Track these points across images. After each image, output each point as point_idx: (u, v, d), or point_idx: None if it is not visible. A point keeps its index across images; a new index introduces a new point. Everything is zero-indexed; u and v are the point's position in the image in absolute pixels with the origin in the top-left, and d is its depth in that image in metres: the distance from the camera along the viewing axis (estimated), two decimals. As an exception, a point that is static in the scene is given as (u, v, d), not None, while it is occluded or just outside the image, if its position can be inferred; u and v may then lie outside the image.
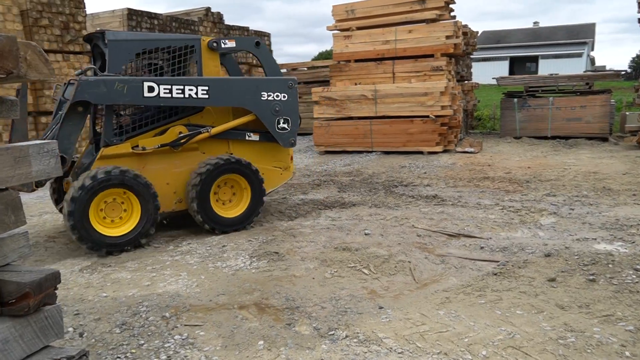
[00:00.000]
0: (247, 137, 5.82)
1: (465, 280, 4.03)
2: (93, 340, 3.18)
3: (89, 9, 13.18)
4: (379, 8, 12.82)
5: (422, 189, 7.67)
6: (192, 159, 5.47)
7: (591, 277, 3.94)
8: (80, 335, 3.24)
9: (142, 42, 5.36)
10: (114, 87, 4.95)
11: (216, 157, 5.39)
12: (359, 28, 12.95)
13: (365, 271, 4.28)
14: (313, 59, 56.35)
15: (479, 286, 3.88)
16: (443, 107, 11.26)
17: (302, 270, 4.34)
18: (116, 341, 3.16)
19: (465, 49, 13.70)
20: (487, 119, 18.01)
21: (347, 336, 3.15)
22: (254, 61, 16.87)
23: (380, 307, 3.56)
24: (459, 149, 11.54)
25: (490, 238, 5.11)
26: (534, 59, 44.45)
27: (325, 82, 15.21)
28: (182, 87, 5.19)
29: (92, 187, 4.71)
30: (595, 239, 4.97)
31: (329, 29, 13.67)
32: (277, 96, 5.69)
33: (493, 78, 16.25)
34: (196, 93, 5.25)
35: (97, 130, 5.72)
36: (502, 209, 6.26)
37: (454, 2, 12.65)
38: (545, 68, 40.15)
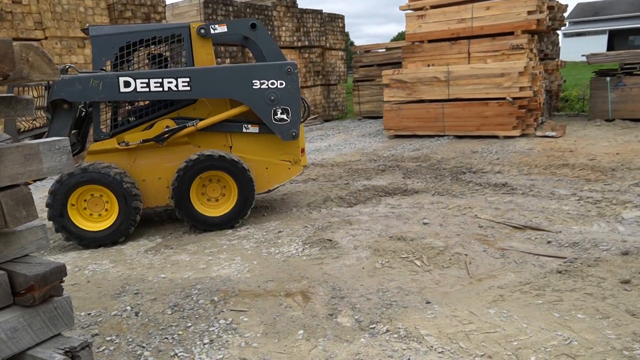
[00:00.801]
0: (244, 129, 5.43)
1: (525, 277, 3.77)
2: (146, 319, 3.38)
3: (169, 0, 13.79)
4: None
5: (492, 176, 7.26)
6: (185, 153, 5.24)
7: (673, 281, 3.52)
8: (136, 314, 3.45)
9: (125, 35, 5.17)
10: (89, 84, 4.91)
11: (198, 153, 5.13)
12: (432, 7, 12.40)
13: (418, 263, 4.15)
14: (392, 40, 55.23)
15: (539, 285, 3.61)
16: (521, 89, 10.53)
17: (352, 259, 4.29)
18: (166, 322, 3.32)
19: (550, 24, 12.65)
20: (576, 100, 16.61)
21: (387, 330, 3.07)
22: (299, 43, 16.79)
23: (428, 302, 3.43)
24: (538, 133, 10.77)
25: (561, 232, 4.73)
26: (639, 31, 40.17)
27: (398, 64, 14.81)
28: (159, 80, 4.98)
29: (68, 182, 4.86)
30: (686, 236, 4.43)
31: (401, 8, 13.24)
32: (273, 84, 5.16)
33: (582, 55, 14.90)
34: (176, 86, 5.01)
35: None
36: (578, 199, 5.76)
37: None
38: (651, 41, 36.20)
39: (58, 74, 1.47)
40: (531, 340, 2.88)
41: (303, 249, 4.58)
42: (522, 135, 10.77)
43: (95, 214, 5.07)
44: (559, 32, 16.12)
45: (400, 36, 57.43)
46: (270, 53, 5.47)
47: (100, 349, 3.02)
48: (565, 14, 15.50)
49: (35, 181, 5.29)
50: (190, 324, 3.28)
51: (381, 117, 14.82)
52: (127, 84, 4.99)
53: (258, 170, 5.48)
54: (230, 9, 13.69)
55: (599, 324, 3.02)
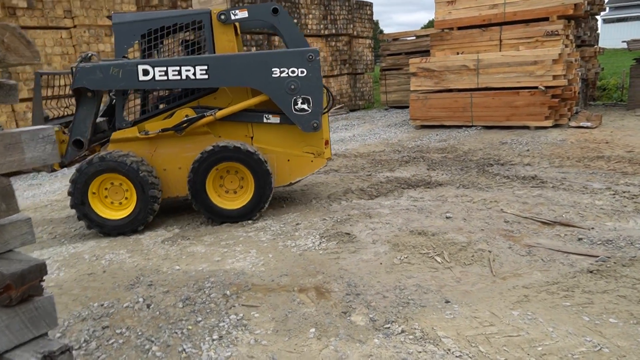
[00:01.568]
0: (264, 120, 5.25)
1: (552, 276, 3.55)
2: (157, 312, 3.33)
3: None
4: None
5: (521, 168, 6.96)
6: (205, 143, 5.12)
7: None
8: (148, 306, 3.41)
9: (146, 22, 5.11)
10: (110, 72, 4.91)
11: (213, 144, 5.01)
12: (463, -8, 11.98)
13: (438, 259, 3.97)
14: (422, 28, 54.11)
15: (568, 285, 3.39)
16: (555, 77, 10.08)
17: (370, 254, 4.15)
18: (177, 316, 3.27)
19: (588, 9, 12.07)
20: (614, 88, 15.87)
21: (403, 331, 2.93)
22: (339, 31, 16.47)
23: (447, 301, 3.27)
24: (572, 124, 10.31)
25: (593, 228, 4.46)
26: (683, 16, 38.21)
27: (427, 53, 14.44)
28: (177, 68, 4.90)
29: (87, 171, 4.91)
30: None
31: (430, -6, 12.85)
32: (293, 72, 4.93)
33: (623, 41, 14.19)
34: (194, 74, 4.91)
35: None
36: (614, 194, 5.44)
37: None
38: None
39: (38, 57, 1.38)
40: (557, 345, 2.69)
41: (320, 243, 4.46)
42: (555, 126, 10.34)
43: (116, 203, 5.09)
44: (597, 17, 15.40)
45: (431, 24, 56.26)
46: (292, 39, 5.25)
47: (110, 342, 2.99)
48: (605, -1, 14.78)
49: (53, 170, 5.37)
50: (200, 319, 3.21)
51: (408, 107, 14.52)
52: (145, 72, 4.94)
53: (279, 162, 5.34)
54: (256, -3, 13.58)
55: (633, 330, 2.80)
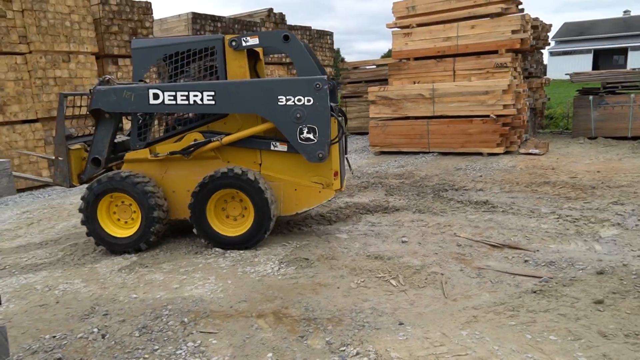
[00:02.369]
0: (272, 147, 5.17)
1: (499, 297, 3.74)
2: (113, 342, 3.29)
3: (157, 15, 13.82)
4: (441, 4, 12.35)
5: (474, 193, 7.28)
6: (213, 168, 5.13)
7: (646, 301, 3.51)
8: (103, 336, 3.37)
9: (162, 47, 5.27)
10: (123, 95, 5.10)
11: (216, 170, 5.03)
12: (419, 25, 12.55)
13: (394, 282, 4.11)
14: (382, 56, 55.73)
15: (513, 305, 3.58)
16: (505, 106, 10.64)
17: (328, 279, 4.24)
18: (133, 345, 3.24)
19: (534, 43, 12.86)
20: (560, 117, 16.81)
21: (358, 353, 3.02)
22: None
23: (401, 323, 3.39)
24: (522, 151, 10.85)
25: (538, 250, 4.72)
26: (623, 52, 40.98)
27: (385, 81, 14.93)
28: (186, 93, 4.99)
29: (96, 190, 5.10)
30: (661, 256, 4.43)
31: (388, 26, 13.39)
32: (300, 100, 4.83)
33: (566, 74, 15.12)
34: (201, 99, 4.97)
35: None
36: (557, 217, 5.77)
37: (521, 1, 11.90)
38: (635, 61, 36.93)
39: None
40: (501, 363, 2.84)
41: (279, 268, 4.52)
42: (506, 153, 10.85)
43: (123, 221, 5.27)
44: (543, 50, 16.37)
45: (390, 53, 58.13)
46: (303, 67, 5.09)
47: (62, 373, 2.94)
48: (550, 34, 15.76)
49: (72, 186, 5.55)
50: (157, 347, 3.20)
51: (368, 134, 14.87)
52: (156, 96, 5.08)
53: (286, 191, 5.23)
54: (219, 24, 13.76)
55: (570, 346, 3.00)
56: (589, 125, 12.76)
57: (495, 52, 11.26)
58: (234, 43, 5.10)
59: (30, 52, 10.17)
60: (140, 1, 11.65)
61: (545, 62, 16.59)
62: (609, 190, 7.00)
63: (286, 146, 5.11)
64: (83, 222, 5.20)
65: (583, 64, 39.34)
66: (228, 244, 5.10)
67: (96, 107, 5.23)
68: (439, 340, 3.14)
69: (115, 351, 3.18)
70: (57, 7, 10.52)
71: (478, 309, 3.57)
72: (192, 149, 5.16)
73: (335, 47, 19.51)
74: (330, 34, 18.76)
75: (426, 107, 11.61)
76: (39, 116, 10.07)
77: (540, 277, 4.06)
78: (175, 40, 5.44)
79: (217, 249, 5.11)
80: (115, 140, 5.67)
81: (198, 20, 13.27)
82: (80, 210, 5.19)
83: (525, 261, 4.47)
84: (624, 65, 37.89)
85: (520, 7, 11.91)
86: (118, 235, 5.19)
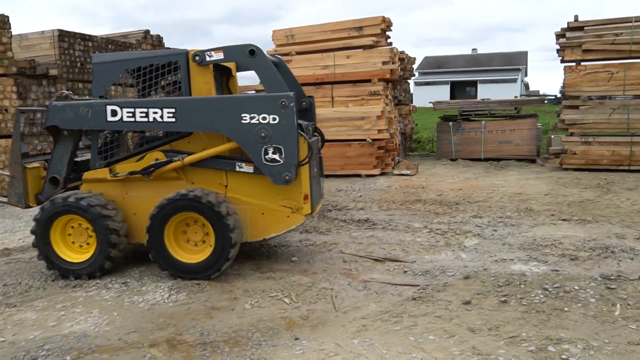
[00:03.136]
0: (237, 168, 4.86)
1: (385, 306, 4.05)
2: (-21, 390, 2.93)
3: (18, 30, 12.62)
4: (318, 34, 13.06)
5: (355, 212, 7.74)
6: (176, 189, 4.80)
7: (503, 299, 4.07)
8: (-34, 385, 2.98)
9: (123, 62, 5.02)
10: (80, 111, 4.83)
11: (174, 193, 4.72)
12: (298, 53, 13.10)
13: (287, 300, 4.22)
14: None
15: (397, 312, 3.91)
16: (380, 131, 11.51)
17: (222, 302, 4.22)
18: (6, 390, 2.92)
19: (402, 74, 14.15)
20: (426, 141, 18.57)
21: (257, 372, 3.06)
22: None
23: (296, 338, 3.51)
24: (396, 172, 11.79)
25: (415, 261, 5.19)
26: (474, 84, 46.69)
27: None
28: (145, 110, 4.71)
29: (50, 210, 4.83)
30: (513, 259, 5.16)
31: (269, 53, 13.76)
32: (264, 118, 4.53)
33: (430, 102, 16.85)
34: (161, 116, 4.67)
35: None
36: (429, 231, 6.40)
37: (390, 30, 13.09)
38: (484, 92, 42.23)
39: None
40: (390, 365, 3.09)
41: (169, 295, 4.39)
42: (382, 174, 11.69)
43: (77, 245, 4.98)
44: (409, 80, 18.05)
45: (270, 79, 59.16)
46: (270, 83, 4.84)
47: None
48: (415, 65, 17.46)
49: (28, 206, 5.25)
50: (36, 390, 2.92)
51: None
52: (114, 113, 4.77)
53: (253, 215, 4.88)
54: (90, 44, 12.95)
55: (446, 343, 3.36)
56: (450, 148, 14.29)
57: (369, 80, 12.17)
58: (197, 57, 4.82)
59: None
60: (-4, 14, 10.57)
61: (412, 91, 18.29)
62: (469, 206, 7.93)
63: (252, 167, 4.80)
64: (34, 245, 4.93)
65: (442, 93, 43.93)
66: (187, 271, 4.72)
67: (52, 123, 4.95)
68: (333, 350, 3.31)
69: (-17, 401, 2.83)
70: None
71: (366, 318, 3.84)
72: (152, 169, 4.86)
73: (215, 71, 19.45)
74: (211, 58, 18.67)
75: (308, 131, 12.07)
76: None
77: (418, 285, 4.48)
78: (136, 54, 5.15)
79: (97, 282, 4.78)
80: (77, 159, 5.28)
81: (66, 38, 12.35)
82: (32, 232, 4.90)
83: (405, 272, 4.89)
84: (475, 96, 43.12)
85: (389, 40, 13.07)
86: (71, 260, 4.89)
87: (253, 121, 4.57)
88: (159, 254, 4.76)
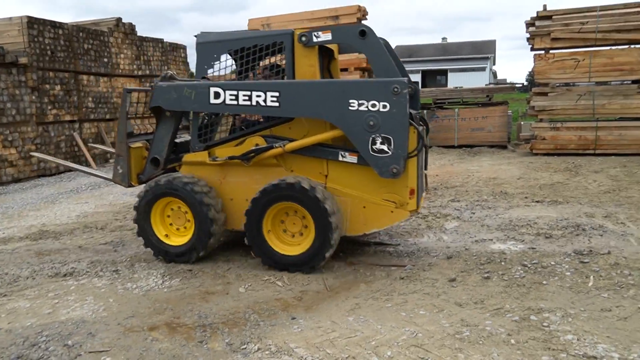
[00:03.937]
0: (340, 157, 4.57)
1: (375, 286, 4.22)
2: (-16, 376, 2.96)
3: (-18, 18, 12.20)
4: (295, 23, 13.05)
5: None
6: (274, 176, 4.60)
7: (486, 275, 4.29)
8: (-31, 372, 3.00)
9: (227, 42, 4.82)
10: (183, 93, 4.75)
11: (269, 183, 4.52)
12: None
13: (279, 283, 4.34)
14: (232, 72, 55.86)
15: (387, 291, 4.08)
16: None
17: (216, 287, 4.31)
18: (11, 375, 2.96)
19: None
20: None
21: (259, 349, 3.19)
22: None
23: (293, 318, 3.64)
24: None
25: (399, 244, 5.38)
26: (444, 72, 47.38)
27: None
28: (248, 93, 4.52)
29: (145, 196, 4.86)
30: (492, 239, 5.41)
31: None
32: (374, 105, 4.21)
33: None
34: (264, 100, 4.47)
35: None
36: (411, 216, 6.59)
37: (366, 19, 13.20)
38: (454, 81, 42.93)
39: None
40: (385, 338, 3.26)
41: (163, 281, 4.45)
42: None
43: (174, 227, 4.98)
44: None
45: (241, 68, 58.57)
46: (381, 68, 4.47)
47: None
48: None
49: (130, 185, 5.27)
50: (41, 374, 2.97)
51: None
52: (216, 95, 4.64)
53: (353, 208, 4.61)
54: (60, 31, 12.62)
55: (436, 317, 3.55)
56: (425, 136, 14.58)
57: (346, 69, 12.29)
58: (303, 38, 4.54)
59: None
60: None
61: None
62: (447, 190, 8.19)
63: (356, 157, 4.50)
64: (135, 220, 4.97)
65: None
66: (288, 264, 4.54)
67: (156, 104, 4.93)
68: (330, 327, 3.46)
69: (-10, 386, 2.87)
70: None
71: (358, 297, 4.00)
72: (252, 154, 4.70)
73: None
74: (184, 47, 18.43)
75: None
76: None
77: (405, 266, 4.66)
78: (241, 34, 4.88)
79: (87, 270, 4.80)
80: (177, 140, 5.21)
81: (35, 25, 12.00)
82: (135, 208, 4.94)
83: (391, 254, 5.07)
84: (446, 84, 43.78)
85: (364, 30, 13.20)
86: (167, 242, 4.92)
87: (361, 108, 4.27)
88: (259, 246, 4.59)
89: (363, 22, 12.97)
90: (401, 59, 5.11)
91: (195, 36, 5.01)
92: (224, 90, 4.60)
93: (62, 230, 6.53)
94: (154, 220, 4.93)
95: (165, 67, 16.95)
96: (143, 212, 4.90)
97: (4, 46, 11.15)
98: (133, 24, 15.41)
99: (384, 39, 4.81)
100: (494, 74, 52.64)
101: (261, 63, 4.93)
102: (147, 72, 15.90)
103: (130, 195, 8.86)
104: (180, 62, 18.19)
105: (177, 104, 4.86)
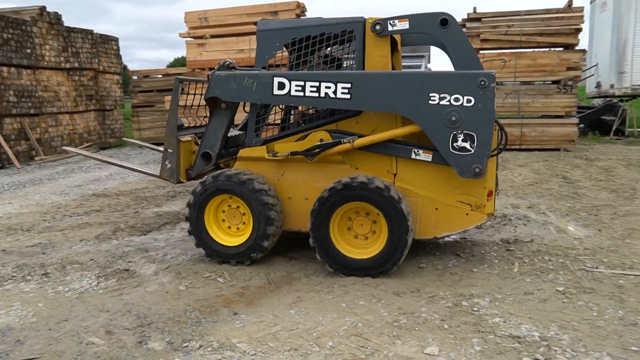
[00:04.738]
0: (413, 155, 4.29)
1: (316, 279, 4.30)
2: None
3: None
4: (233, 17, 12.90)
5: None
6: (338, 174, 4.35)
7: (422, 265, 4.50)
8: None
9: (290, 30, 4.47)
10: (244, 83, 4.40)
11: (337, 181, 4.22)
12: (213, 36, 12.87)
13: (221, 280, 4.32)
14: (168, 66, 54.12)
15: (328, 283, 4.17)
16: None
17: (155, 285, 4.22)
18: None
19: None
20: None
21: (201, 346, 3.16)
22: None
23: (235, 313, 3.64)
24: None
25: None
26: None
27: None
28: (316, 84, 4.21)
29: (201, 192, 4.56)
30: (427, 231, 5.64)
31: (181, 35, 13.36)
32: (457, 100, 3.93)
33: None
34: (334, 92, 4.17)
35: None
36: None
37: (305, 15, 13.26)
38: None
39: None
40: (327, 329, 3.34)
41: (98, 283, 4.29)
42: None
43: (226, 224, 4.69)
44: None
45: (178, 62, 56.91)
46: (463, 60, 4.21)
47: None
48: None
49: (179, 182, 4.91)
50: (-36, 385, 2.79)
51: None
52: (281, 86, 4.30)
53: (424, 210, 4.34)
54: (-25, 20, 11.71)
55: (375, 306, 3.68)
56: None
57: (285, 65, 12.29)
58: (378, 27, 4.27)
59: None
60: None
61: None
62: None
63: (431, 155, 4.22)
64: (190, 232, 4.67)
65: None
66: (358, 268, 4.25)
67: (213, 94, 4.55)
68: (272, 321, 3.49)
69: None
70: None
71: (300, 291, 4.06)
72: (317, 150, 4.39)
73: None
74: (116, 40, 17.64)
75: (225, 116, 11.96)
76: None
77: (345, 258, 4.77)
78: (307, 22, 4.58)
79: (13, 275, 4.53)
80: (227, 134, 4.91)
81: (-54, 12, 11.06)
82: (188, 204, 4.62)
83: (331, 247, 5.16)
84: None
85: (303, 26, 13.26)
86: (220, 241, 4.62)
87: (443, 102, 3.97)
88: (325, 249, 4.30)
89: (302, 17, 13.04)
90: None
91: (255, 23, 4.77)
92: (290, 81, 4.29)
93: (-17, 233, 6.10)
94: (207, 219, 4.63)
95: (96, 60, 16.18)
96: (197, 209, 4.59)
97: None
98: (59, 13, 14.57)
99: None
100: (429, 73, 54.46)
101: (327, 52, 4.71)
102: (76, 64, 15.10)
103: (59, 195, 8.42)
104: (112, 55, 17.40)
105: (236, 94, 4.51)
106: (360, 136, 4.37)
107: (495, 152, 4.23)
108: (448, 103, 3.96)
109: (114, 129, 17.40)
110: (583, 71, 15.09)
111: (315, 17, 4.57)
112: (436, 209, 4.31)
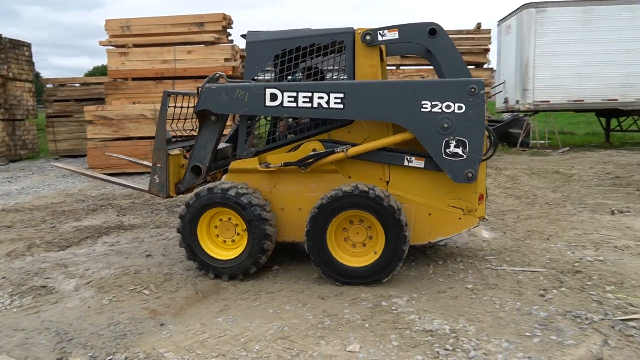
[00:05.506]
0: (405, 162, 4.37)
1: (244, 287, 4.38)
2: None
3: None
4: (157, 27, 12.68)
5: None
6: (331, 184, 4.37)
7: (345, 270, 4.70)
8: None
9: (281, 41, 4.45)
10: (235, 95, 4.31)
11: (337, 189, 4.23)
12: (136, 45, 12.55)
13: (146, 292, 4.28)
14: (87, 74, 51.48)
15: (255, 290, 4.27)
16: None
17: (75, 301, 4.09)
18: None
19: (243, 71, 14.49)
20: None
21: (126, 358, 3.14)
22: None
23: (162, 324, 3.64)
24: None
25: (267, 247, 5.59)
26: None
27: (100, 100, 14.21)
28: (309, 94, 4.21)
29: (194, 205, 4.46)
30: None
31: (102, 44, 12.88)
32: (448, 107, 4.03)
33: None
34: (327, 102, 4.18)
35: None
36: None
37: (232, 27, 13.33)
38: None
39: None
40: (254, 334, 3.44)
41: (11, 301, 4.08)
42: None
43: (221, 239, 4.61)
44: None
45: (97, 70, 54.25)
46: (451, 68, 4.34)
47: None
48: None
49: (168, 197, 4.82)
50: None
51: (84, 156, 13.90)
52: (273, 97, 4.25)
53: (418, 216, 4.41)
54: None
55: (300, 310, 3.83)
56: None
57: (211, 77, 12.26)
58: (368, 37, 4.31)
59: None
60: None
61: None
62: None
63: (423, 162, 4.30)
64: (179, 231, 4.55)
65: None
66: (354, 277, 4.27)
67: (204, 107, 4.46)
68: (199, 329, 3.54)
69: None
70: None
71: (227, 299, 4.12)
72: (311, 160, 4.35)
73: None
74: (28, 45, 16.62)
75: (149, 127, 11.70)
76: None
77: (273, 267, 4.89)
78: (296, 33, 4.45)
79: None
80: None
81: None
82: (180, 217, 4.52)
83: (259, 256, 5.26)
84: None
85: (230, 37, 13.30)
86: (214, 255, 4.53)
87: (435, 110, 4.06)
88: (321, 257, 4.31)
89: (228, 30, 13.08)
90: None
91: (243, 36, 4.65)
92: (282, 92, 4.27)
93: None
94: (199, 231, 4.54)
95: (5, 67, 15.15)
96: (190, 221, 4.48)
97: None
98: (-38, 16, 13.51)
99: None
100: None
101: (317, 63, 4.73)
102: (-18, 71, 14.06)
103: (-37, 211, 7.81)
104: (24, 61, 16.38)
105: (227, 106, 4.43)
106: (353, 145, 4.42)
107: (485, 157, 4.38)
108: (440, 110, 4.07)
109: (25, 140, 16.33)
110: (492, 88, 16.39)
111: (304, 28, 4.65)
112: (429, 214, 4.43)
